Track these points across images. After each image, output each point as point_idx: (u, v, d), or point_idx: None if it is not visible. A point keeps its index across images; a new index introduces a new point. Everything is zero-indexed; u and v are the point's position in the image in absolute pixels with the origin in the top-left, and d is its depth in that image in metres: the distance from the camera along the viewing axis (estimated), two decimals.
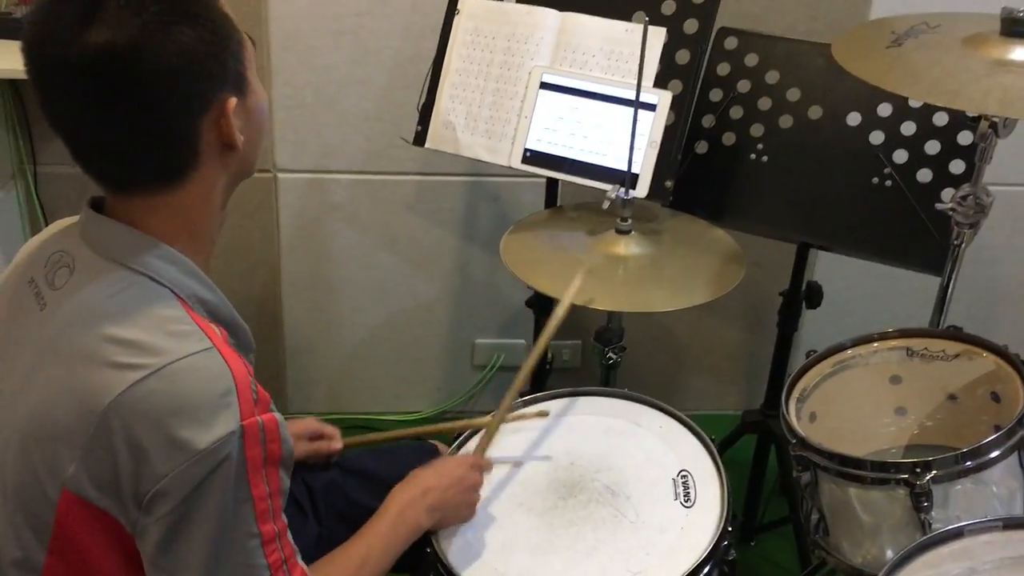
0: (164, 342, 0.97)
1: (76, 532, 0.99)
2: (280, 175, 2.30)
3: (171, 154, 1.01)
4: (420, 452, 1.61)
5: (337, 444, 1.55)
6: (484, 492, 1.43)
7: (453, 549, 1.35)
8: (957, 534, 1.12)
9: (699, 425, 1.52)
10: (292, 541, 1.06)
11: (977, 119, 1.53)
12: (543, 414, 1.57)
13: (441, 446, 1.60)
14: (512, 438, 1.53)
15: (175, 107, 0.98)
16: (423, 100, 1.91)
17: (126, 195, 1.04)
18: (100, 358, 0.97)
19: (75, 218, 1.11)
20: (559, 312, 1.51)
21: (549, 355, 2.29)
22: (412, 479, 1.33)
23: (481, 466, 1.41)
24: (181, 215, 1.05)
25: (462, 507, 1.36)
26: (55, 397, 0.99)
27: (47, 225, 2.36)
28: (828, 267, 2.33)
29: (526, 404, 1.59)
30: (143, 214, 1.04)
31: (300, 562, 1.07)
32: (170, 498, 0.95)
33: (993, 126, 1.47)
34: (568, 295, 1.53)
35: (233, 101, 1.02)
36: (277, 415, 1.01)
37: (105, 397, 0.95)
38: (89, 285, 1.02)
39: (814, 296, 2.01)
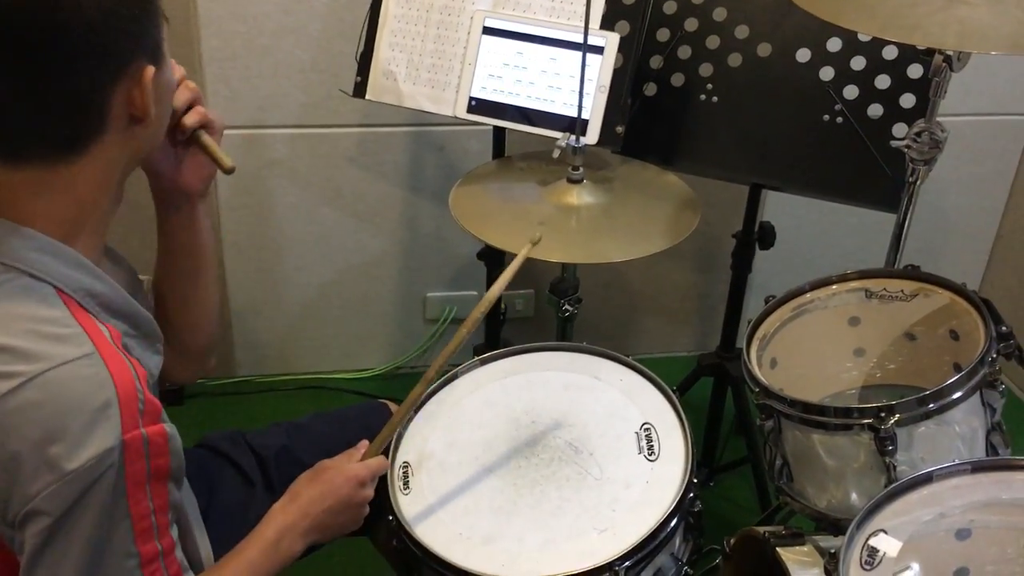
0: (39, 347, 0.90)
1: None
2: None
3: (75, 119, 0.93)
4: (369, 412, 1.57)
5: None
6: (443, 455, 1.40)
7: (415, 515, 1.32)
8: (926, 479, 1.12)
9: (654, 368, 1.50)
10: (182, 558, 1.00)
11: (930, 52, 1.51)
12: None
13: (392, 405, 1.56)
14: (470, 397, 1.50)
15: (89, 66, 0.90)
16: (361, 49, 1.84)
17: (11, 168, 0.94)
18: None
19: None
20: (494, 291, 1.31)
21: (502, 306, 2.25)
22: (293, 497, 1.22)
23: (374, 475, 1.27)
24: (71, 194, 0.96)
25: (346, 525, 1.26)
26: None
27: None
28: (777, 206, 2.32)
29: (483, 362, 1.56)
30: (26, 193, 0.95)
31: None
32: (43, 517, 0.89)
33: (947, 60, 1.45)
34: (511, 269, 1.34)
35: (151, 70, 0.95)
36: (167, 427, 0.95)
37: None
38: None
39: (767, 237, 2.00)
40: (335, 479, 1.23)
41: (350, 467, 1.25)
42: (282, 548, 1.18)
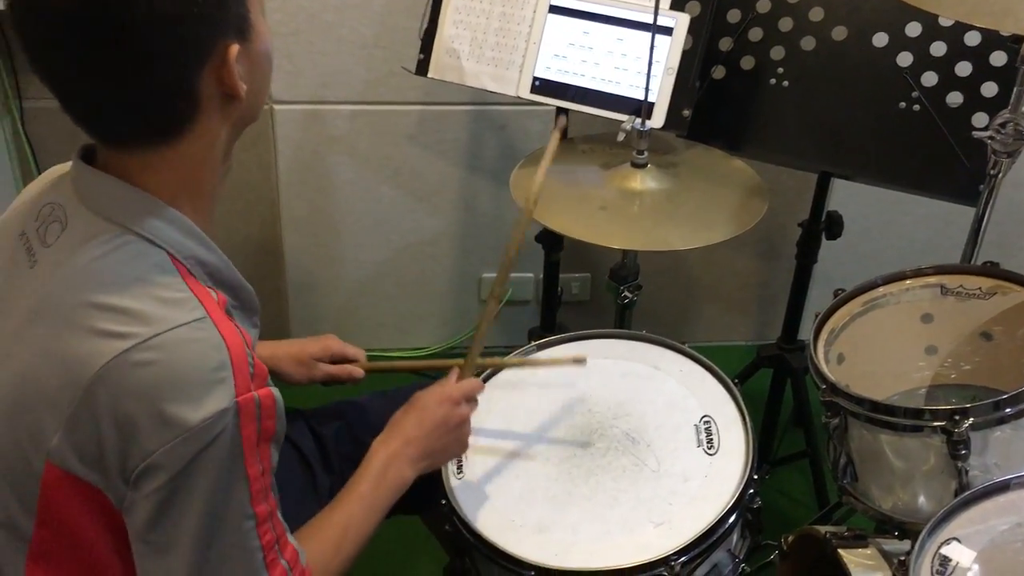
0: (154, 309, 0.91)
1: (62, 505, 0.94)
2: (276, 107, 2.20)
3: (168, 108, 0.93)
4: None
5: (358, 372, 1.50)
6: (498, 441, 1.38)
7: (469, 501, 1.31)
8: (1003, 487, 1.07)
9: (711, 357, 1.47)
10: (282, 519, 1.01)
11: (1017, 40, 1.44)
12: (580, 360, 1.45)
13: None
14: (526, 383, 1.48)
15: (171, 58, 0.90)
16: (425, 26, 1.81)
17: (120, 150, 0.96)
18: (87, 325, 0.91)
19: (69, 165, 1.03)
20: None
21: (559, 288, 2.23)
22: (392, 429, 1.24)
23: (467, 395, 1.28)
24: (180, 171, 0.98)
25: (451, 447, 1.27)
26: (41, 363, 0.93)
27: (35, 161, 2.28)
28: (844, 194, 2.25)
29: (540, 348, 1.53)
30: (139, 170, 0.97)
31: (291, 540, 1.02)
32: (160, 474, 0.89)
33: None
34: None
35: (235, 48, 0.94)
36: (274, 390, 0.96)
37: (91, 367, 0.89)
38: (80, 244, 0.96)
39: (834, 227, 1.94)
40: (428, 402, 1.25)
41: (441, 388, 1.28)
42: (390, 476, 1.19)
